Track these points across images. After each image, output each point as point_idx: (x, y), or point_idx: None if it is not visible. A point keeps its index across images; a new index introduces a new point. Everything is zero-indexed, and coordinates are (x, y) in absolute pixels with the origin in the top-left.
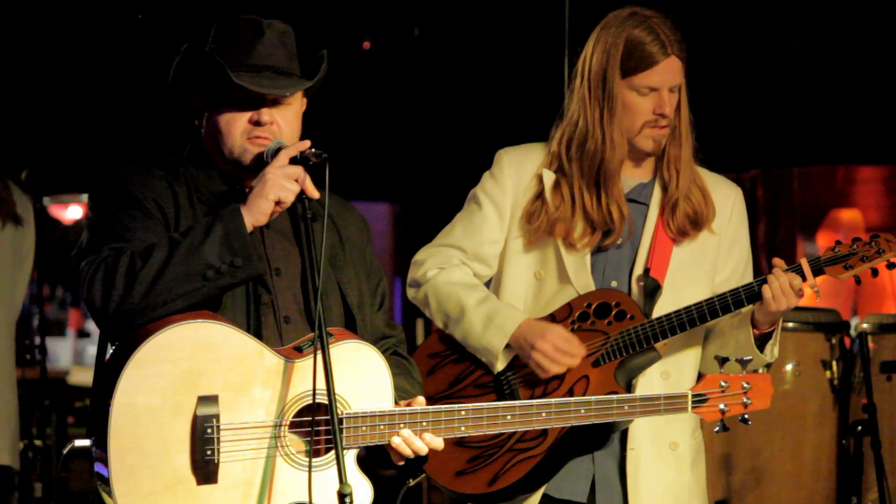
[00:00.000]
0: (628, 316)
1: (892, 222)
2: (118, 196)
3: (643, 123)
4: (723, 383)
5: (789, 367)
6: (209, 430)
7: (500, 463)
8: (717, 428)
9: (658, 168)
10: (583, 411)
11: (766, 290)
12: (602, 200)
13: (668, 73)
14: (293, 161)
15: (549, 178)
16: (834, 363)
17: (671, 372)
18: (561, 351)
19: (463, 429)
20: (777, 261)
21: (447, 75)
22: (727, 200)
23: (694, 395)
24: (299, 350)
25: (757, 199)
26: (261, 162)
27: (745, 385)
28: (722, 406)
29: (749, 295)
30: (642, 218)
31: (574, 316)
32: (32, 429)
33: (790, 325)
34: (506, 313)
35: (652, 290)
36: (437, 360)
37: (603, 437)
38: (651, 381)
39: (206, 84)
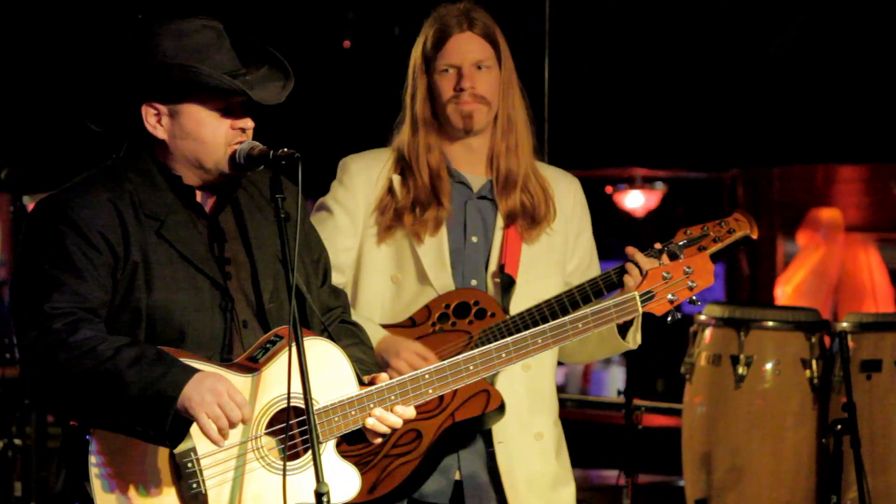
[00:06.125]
0: (489, 314)
1: (872, 221)
2: (63, 230)
3: (447, 100)
4: (665, 274)
5: (769, 366)
6: (189, 465)
7: (378, 469)
8: (670, 318)
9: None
10: (539, 341)
11: (627, 278)
12: (418, 178)
13: (465, 47)
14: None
15: (396, 179)
16: (814, 362)
17: (531, 364)
18: (420, 357)
19: (431, 391)
20: (631, 248)
21: None
22: (569, 193)
23: (641, 295)
24: (254, 360)
25: (737, 198)
26: (234, 163)
27: (687, 269)
28: (670, 296)
29: (607, 284)
30: (493, 215)
31: (434, 318)
32: (12, 428)
33: (770, 323)
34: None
35: (507, 285)
36: None
37: (474, 433)
38: (512, 375)
39: (172, 94)
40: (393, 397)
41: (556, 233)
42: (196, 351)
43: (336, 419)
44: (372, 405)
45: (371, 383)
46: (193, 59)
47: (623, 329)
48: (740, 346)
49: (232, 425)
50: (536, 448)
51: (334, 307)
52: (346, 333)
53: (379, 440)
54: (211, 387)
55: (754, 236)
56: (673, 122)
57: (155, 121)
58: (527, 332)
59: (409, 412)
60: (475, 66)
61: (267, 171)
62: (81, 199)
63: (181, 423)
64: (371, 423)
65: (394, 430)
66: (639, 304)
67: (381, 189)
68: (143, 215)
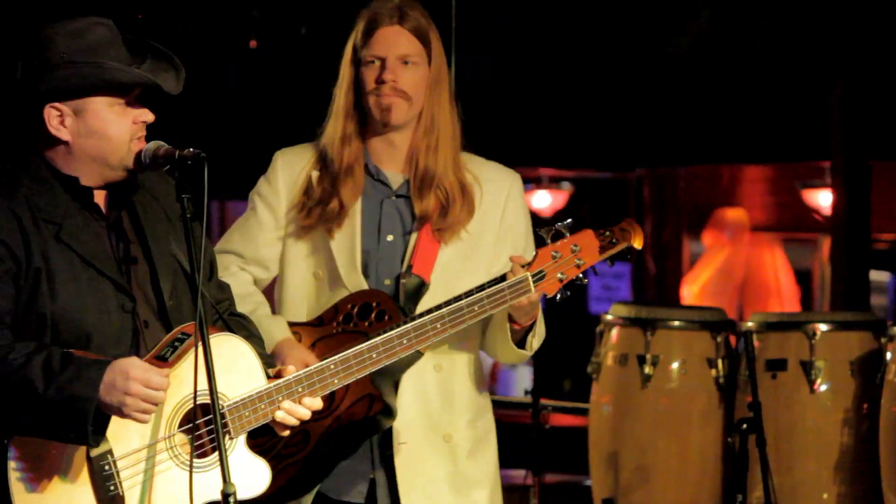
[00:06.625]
0: (387, 316)
1: (777, 221)
2: None
3: (369, 91)
4: (553, 254)
5: (675, 365)
6: (107, 468)
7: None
8: (559, 296)
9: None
10: (438, 326)
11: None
12: (332, 169)
13: (392, 39)
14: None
15: (315, 176)
16: (719, 361)
17: (444, 365)
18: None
19: (336, 381)
20: (515, 257)
21: (334, 74)
22: (502, 191)
23: (533, 275)
24: (163, 359)
25: (643, 198)
26: (139, 163)
27: (574, 247)
28: (559, 275)
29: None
30: (410, 214)
31: (339, 318)
32: None
33: (676, 323)
34: (269, 324)
35: (416, 287)
36: None
37: (365, 436)
38: (423, 375)
39: (76, 92)
40: (300, 389)
41: (483, 232)
42: (102, 353)
43: (246, 414)
44: (280, 398)
45: (278, 376)
46: (94, 57)
47: (523, 337)
48: (647, 345)
49: (157, 405)
50: (445, 449)
51: (222, 300)
52: (237, 326)
53: (287, 433)
54: (123, 387)
55: (638, 247)
56: (579, 123)
57: (58, 122)
58: (426, 317)
59: (317, 403)
60: (400, 60)
61: (159, 171)
62: None
63: (101, 420)
64: (280, 416)
65: (303, 423)
66: (531, 284)
67: (301, 187)
68: (41, 220)
